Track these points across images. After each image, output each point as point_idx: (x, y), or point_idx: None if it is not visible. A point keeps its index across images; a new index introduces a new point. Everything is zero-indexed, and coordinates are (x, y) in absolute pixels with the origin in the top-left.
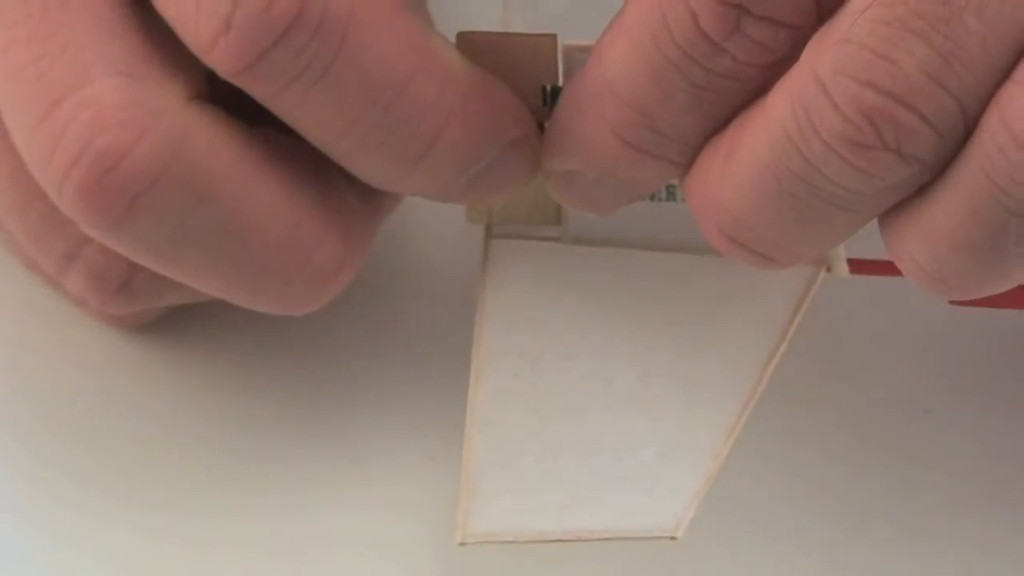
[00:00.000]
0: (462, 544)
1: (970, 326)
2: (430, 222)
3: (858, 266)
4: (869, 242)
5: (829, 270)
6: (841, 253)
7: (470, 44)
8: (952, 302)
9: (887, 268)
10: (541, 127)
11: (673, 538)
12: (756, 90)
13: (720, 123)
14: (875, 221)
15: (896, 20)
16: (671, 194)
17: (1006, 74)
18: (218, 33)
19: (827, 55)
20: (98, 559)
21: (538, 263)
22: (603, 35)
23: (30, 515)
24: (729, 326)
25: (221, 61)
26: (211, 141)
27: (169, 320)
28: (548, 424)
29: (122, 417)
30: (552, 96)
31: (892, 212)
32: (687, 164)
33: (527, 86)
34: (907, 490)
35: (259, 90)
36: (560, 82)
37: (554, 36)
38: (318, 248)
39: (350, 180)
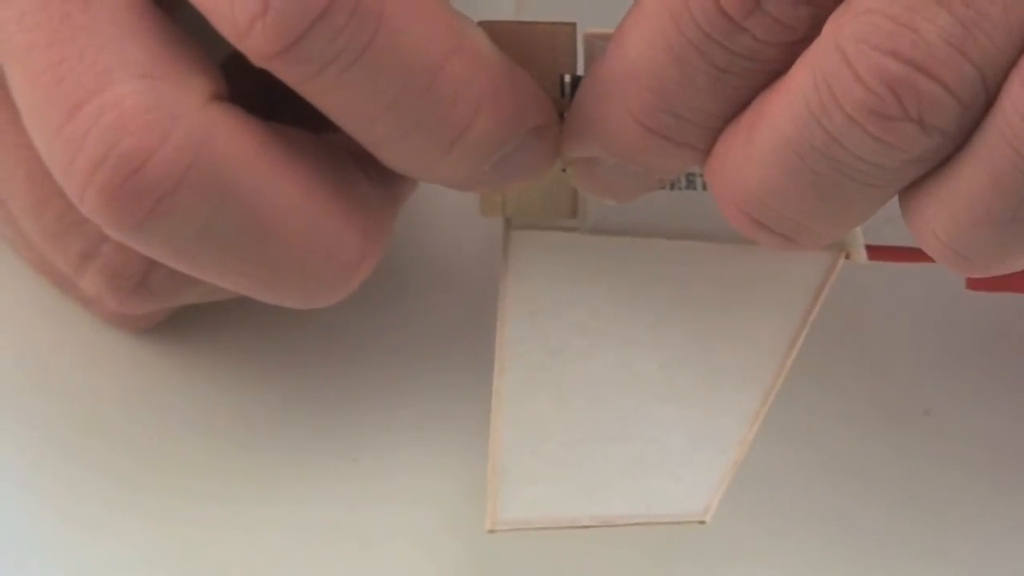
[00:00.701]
0: (491, 532)
1: (971, 326)
2: (446, 216)
3: (876, 253)
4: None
5: (848, 257)
6: (860, 240)
7: (488, 33)
8: (970, 286)
9: (905, 255)
10: (560, 117)
11: (702, 522)
12: (776, 72)
13: (740, 107)
14: (895, 204)
15: None
16: (691, 182)
17: None
18: (255, 16)
19: (849, 26)
20: (112, 546)
21: (558, 253)
22: (623, 20)
23: (46, 504)
24: (749, 313)
25: (257, 45)
26: (232, 141)
27: (178, 315)
28: (573, 413)
29: (135, 410)
30: (571, 86)
31: (913, 187)
32: (707, 150)
33: (545, 76)
34: (906, 490)
35: (294, 74)
36: (579, 71)
37: (573, 25)
38: (339, 241)
39: (368, 172)
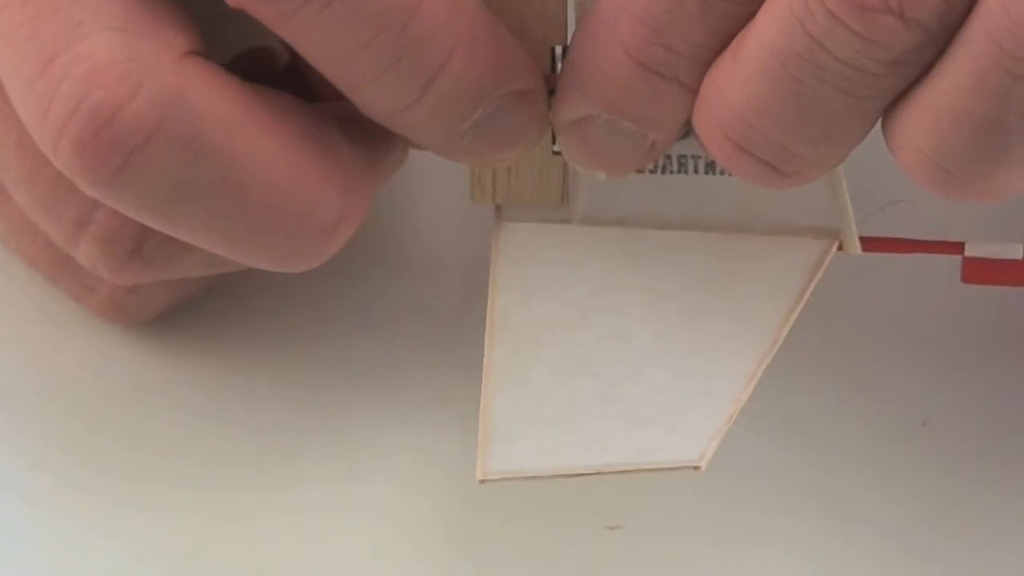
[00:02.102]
0: (482, 482)
1: (968, 338)
2: (438, 202)
3: (870, 244)
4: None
5: (841, 248)
6: (853, 230)
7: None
8: (965, 279)
9: (898, 246)
10: (550, 94)
11: (697, 468)
12: (762, 2)
13: (728, 40)
14: (888, 192)
15: None
16: (682, 165)
17: None
18: None
19: None
20: (113, 541)
21: (549, 243)
22: None
23: (45, 501)
24: (742, 295)
25: None
26: (206, 95)
27: (177, 312)
28: (566, 380)
29: (131, 405)
30: (562, 59)
31: (895, 104)
32: (696, 89)
33: (535, 47)
34: (904, 502)
35: (272, 13)
36: (568, 42)
37: None
38: (316, 202)
39: (349, 136)
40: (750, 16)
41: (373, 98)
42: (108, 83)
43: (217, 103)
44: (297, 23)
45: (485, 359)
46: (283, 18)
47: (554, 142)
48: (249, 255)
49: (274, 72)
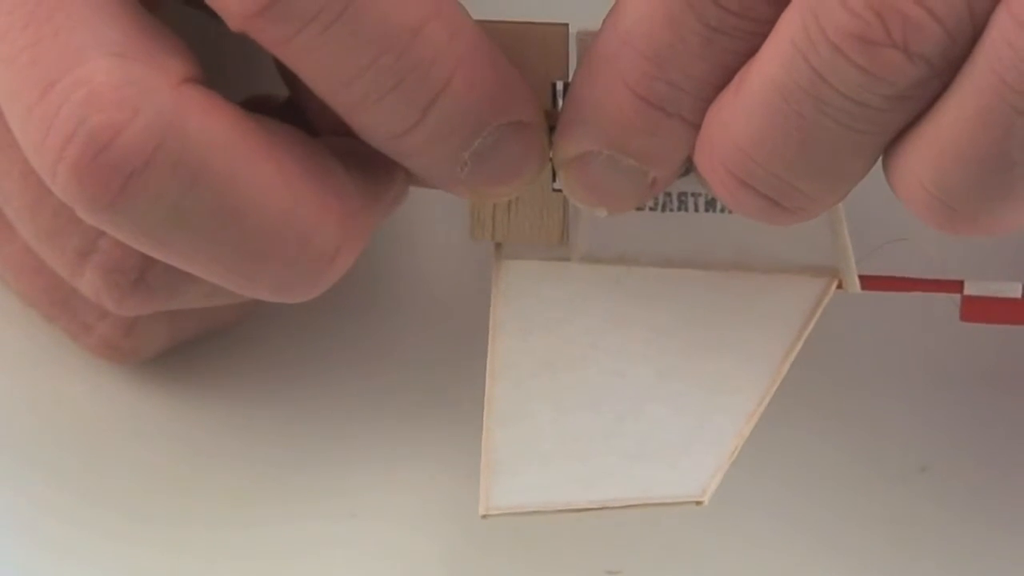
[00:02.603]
0: (484, 517)
1: (967, 378)
2: (437, 240)
3: (869, 282)
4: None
5: (840, 286)
6: (852, 268)
7: None
8: (964, 317)
9: (897, 284)
10: (551, 130)
11: (699, 503)
12: (764, 36)
13: (730, 75)
14: (887, 231)
15: None
16: (682, 203)
17: None
18: None
19: None
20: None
21: (549, 280)
22: None
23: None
24: (742, 333)
25: (237, 3)
26: (205, 121)
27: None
28: (568, 416)
29: (135, 443)
30: (563, 95)
31: (898, 140)
32: (698, 125)
33: (536, 82)
34: (903, 548)
35: (272, 35)
36: (570, 78)
37: (565, 26)
38: (314, 231)
39: (349, 168)
40: (752, 51)
41: (373, 121)
42: (107, 107)
43: (216, 129)
44: (298, 45)
45: (486, 395)
46: (284, 40)
47: (554, 179)
48: (247, 283)
49: (273, 111)
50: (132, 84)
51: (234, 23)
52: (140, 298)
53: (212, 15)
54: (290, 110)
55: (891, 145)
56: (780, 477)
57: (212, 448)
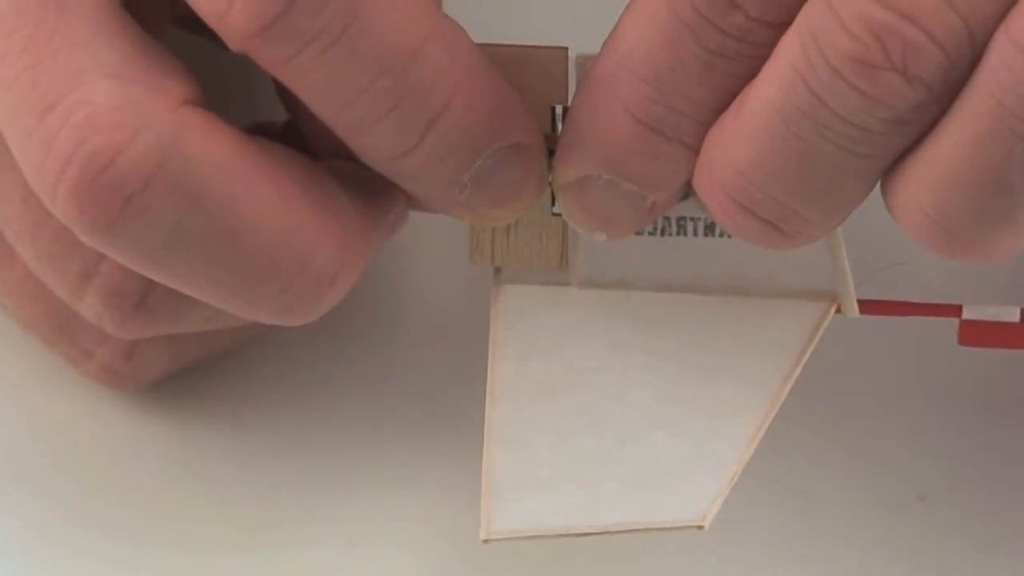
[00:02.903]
0: (486, 541)
1: (966, 413)
2: (436, 264)
3: (868, 307)
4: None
5: (839, 310)
6: (851, 292)
7: None
8: (962, 342)
9: (896, 308)
10: (550, 154)
11: (701, 527)
12: (764, 60)
13: (730, 99)
14: (885, 256)
15: None
16: (681, 228)
17: (1014, 0)
18: None
19: None
20: None
21: (548, 305)
22: (618, 20)
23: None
24: (741, 357)
25: (238, 22)
26: (204, 143)
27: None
28: (568, 440)
29: (135, 469)
30: (563, 119)
31: (897, 165)
32: (697, 149)
33: (535, 106)
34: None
35: (272, 55)
36: (570, 102)
37: (564, 50)
38: (314, 254)
39: (348, 192)
40: (752, 75)
41: (373, 142)
42: (106, 129)
43: (215, 151)
44: (298, 65)
45: (486, 420)
46: (284, 60)
47: (553, 203)
48: (246, 306)
49: (273, 134)
50: (131, 106)
51: (234, 43)
52: (141, 321)
53: (213, 37)
54: (290, 133)
55: (890, 169)
56: (780, 503)
57: (211, 474)
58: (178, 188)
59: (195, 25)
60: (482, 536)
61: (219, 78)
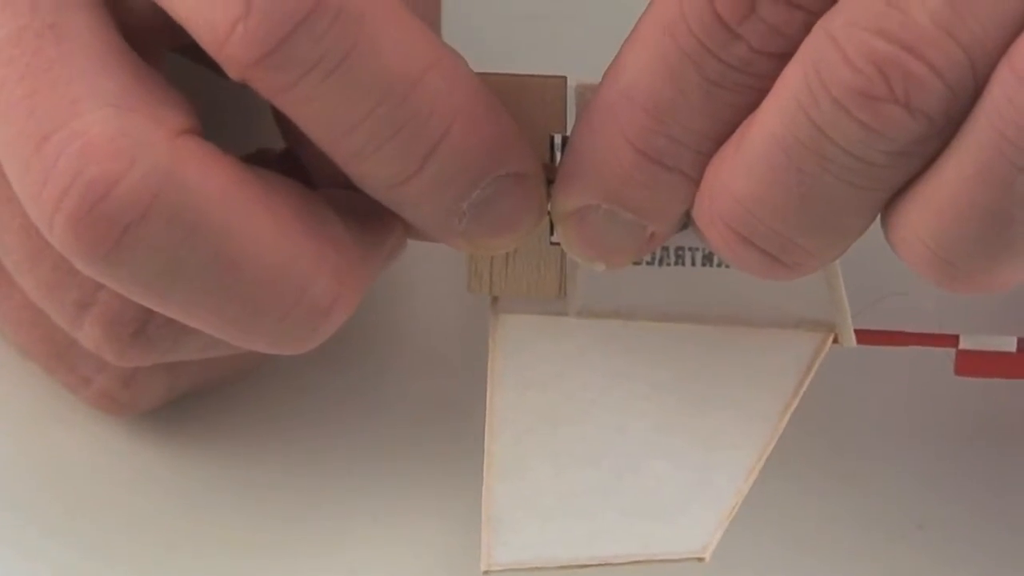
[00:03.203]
0: (486, 573)
1: (963, 442)
2: (434, 293)
3: (865, 336)
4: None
5: (836, 340)
6: (848, 323)
7: None
8: (959, 372)
9: (893, 338)
10: (549, 184)
11: (701, 559)
12: (766, 91)
13: (731, 129)
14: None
15: None
16: (679, 258)
17: (1016, 33)
18: (237, 18)
19: (839, 13)
20: None
21: (547, 334)
22: (619, 50)
23: None
24: (740, 387)
25: (238, 50)
26: (202, 173)
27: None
28: (567, 471)
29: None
30: (561, 148)
31: (897, 197)
32: (698, 180)
33: (534, 135)
34: None
35: (273, 83)
36: (568, 132)
37: (563, 79)
38: (311, 284)
39: (346, 220)
40: (752, 106)
41: (371, 170)
42: (103, 159)
43: (212, 180)
44: (297, 94)
45: (486, 450)
46: (283, 89)
47: (552, 233)
48: (243, 335)
49: (271, 163)
50: (128, 136)
51: (234, 71)
52: (140, 350)
53: (212, 66)
54: (288, 162)
55: (890, 201)
56: (780, 533)
57: (210, 502)
58: (175, 218)
59: (195, 53)
60: (483, 568)
61: (219, 105)
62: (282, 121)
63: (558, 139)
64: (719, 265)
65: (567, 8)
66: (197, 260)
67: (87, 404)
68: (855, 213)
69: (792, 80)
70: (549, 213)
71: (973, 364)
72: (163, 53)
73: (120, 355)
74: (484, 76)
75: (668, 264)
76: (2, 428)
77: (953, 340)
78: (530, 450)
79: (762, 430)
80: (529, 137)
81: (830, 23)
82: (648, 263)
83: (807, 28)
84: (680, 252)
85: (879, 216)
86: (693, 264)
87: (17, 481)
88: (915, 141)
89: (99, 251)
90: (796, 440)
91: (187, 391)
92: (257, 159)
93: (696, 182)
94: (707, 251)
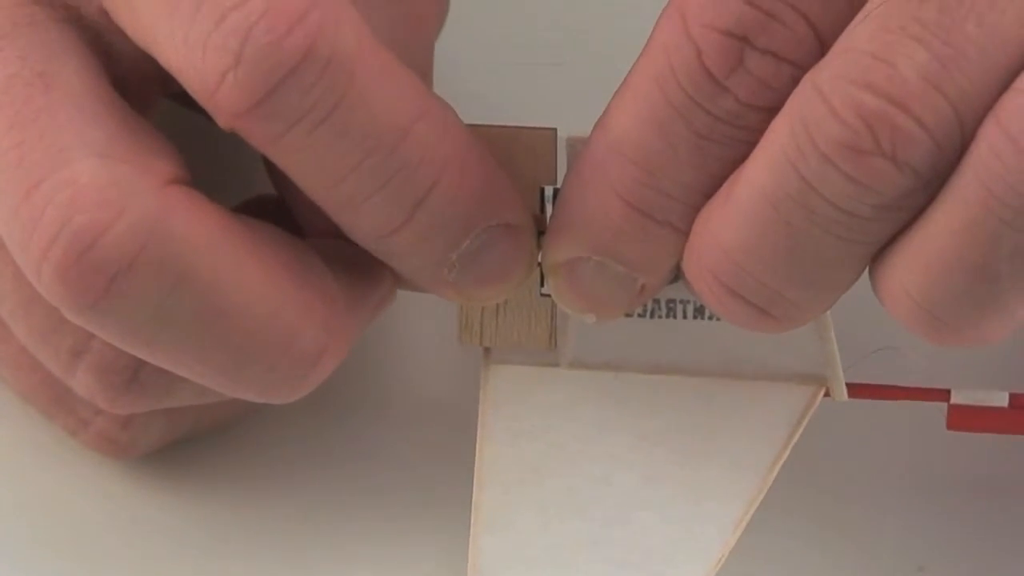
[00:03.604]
0: None
1: (956, 485)
2: (425, 343)
3: (856, 390)
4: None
5: (827, 394)
6: (840, 376)
7: None
8: (950, 426)
9: (884, 392)
10: (539, 235)
11: None
12: (754, 145)
13: (719, 182)
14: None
15: (897, 27)
16: (671, 310)
17: (1004, 88)
18: (227, 68)
19: (827, 67)
20: None
21: (537, 385)
22: (608, 105)
23: None
24: (729, 440)
25: (227, 100)
26: (190, 222)
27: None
28: (555, 522)
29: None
30: (552, 200)
31: (885, 249)
32: (687, 232)
33: (524, 186)
34: None
35: (262, 133)
36: (558, 183)
37: (553, 131)
38: (299, 333)
39: (335, 270)
40: (741, 158)
41: (361, 220)
42: (91, 208)
43: (200, 230)
44: (287, 144)
45: (474, 501)
46: (273, 139)
47: (542, 284)
48: (231, 384)
49: (261, 211)
50: (116, 185)
51: (224, 121)
52: (133, 397)
53: (202, 114)
54: (277, 210)
55: (878, 254)
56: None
57: (207, 545)
58: (163, 268)
59: (187, 99)
60: None
61: (211, 152)
62: (272, 170)
63: (548, 191)
64: (710, 318)
65: (557, 59)
66: (185, 310)
67: (86, 446)
68: (843, 266)
69: (780, 133)
70: (540, 265)
71: (965, 419)
72: (154, 100)
73: (113, 402)
74: (475, 128)
75: (659, 316)
76: (1, 472)
77: (945, 395)
78: (518, 502)
79: (751, 483)
80: (519, 188)
81: (818, 76)
82: (639, 315)
83: (795, 81)
84: (671, 304)
85: (868, 270)
86: (684, 316)
87: (16, 524)
88: (902, 195)
89: (86, 300)
90: (786, 492)
91: (186, 433)
92: (256, 204)
93: (685, 235)
94: (698, 304)
